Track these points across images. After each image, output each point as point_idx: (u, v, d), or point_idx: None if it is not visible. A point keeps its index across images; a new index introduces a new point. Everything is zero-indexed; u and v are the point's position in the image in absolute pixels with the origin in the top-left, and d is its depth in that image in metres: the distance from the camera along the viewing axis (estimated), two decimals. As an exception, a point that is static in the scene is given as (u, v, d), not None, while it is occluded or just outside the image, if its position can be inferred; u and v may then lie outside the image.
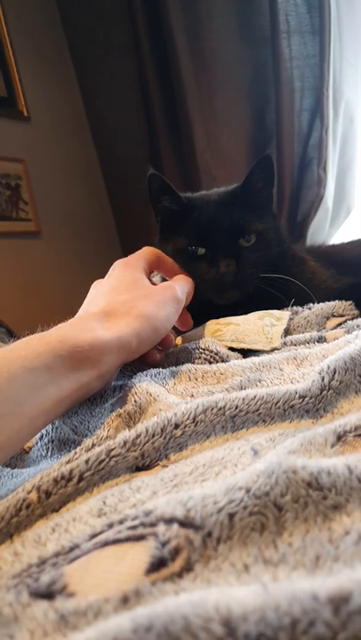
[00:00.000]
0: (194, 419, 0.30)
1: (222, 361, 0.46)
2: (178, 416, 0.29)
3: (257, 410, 0.31)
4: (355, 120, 1.35)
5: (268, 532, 0.18)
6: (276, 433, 0.28)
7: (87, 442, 0.32)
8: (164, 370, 0.44)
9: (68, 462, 0.28)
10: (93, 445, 0.31)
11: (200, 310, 0.57)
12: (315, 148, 1.31)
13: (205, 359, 0.47)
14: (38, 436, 0.36)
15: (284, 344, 0.50)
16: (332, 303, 0.58)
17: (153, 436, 0.28)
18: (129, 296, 0.43)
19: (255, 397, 0.31)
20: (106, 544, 0.19)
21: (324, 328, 0.55)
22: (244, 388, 0.37)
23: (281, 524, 0.18)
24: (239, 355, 0.49)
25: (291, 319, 0.57)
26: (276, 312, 0.57)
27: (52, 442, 0.36)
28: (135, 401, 0.36)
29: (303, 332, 0.54)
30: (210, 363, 0.46)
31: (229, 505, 0.19)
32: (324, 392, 0.32)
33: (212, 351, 0.48)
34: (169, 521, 0.19)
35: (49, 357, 0.31)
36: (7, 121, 1.68)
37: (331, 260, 0.78)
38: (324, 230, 1.40)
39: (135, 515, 0.20)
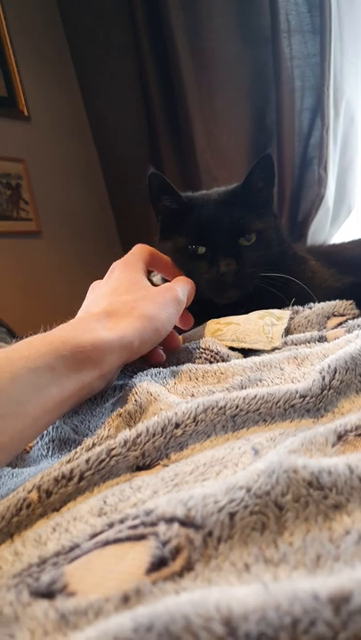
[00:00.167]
0: (194, 418, 0.30)
1: (223, 360, 0.46)
2: (178, 415, 0.29)
3: (258, 409, 0.31)
4: (355, 119, 1.35)
5: (269, 531, 0.18)
6: (277, 432, 0.28)
7: (88, 441, 0.32)
8: (164, 369, 0.44)
9: (69, 462, 0.28)
10: (94, 445, 0.31)
11: (200, 310, 0.57)
12: (315, 147, 1.31)
13: (206, 359, 0.47)
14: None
15: (285, 343, 0.50)
16: (332, 302, 0.58)
17: (154, 435, 0.28)
18: (130, 297, 0.43)
19: (256, 397, 0.31)
20: (106, 543, 0.19)
21: (324, 327, 0.55)
22: (245, 388, 0.37)
23: (282, 524, 0.18)
24: (240, 354, 0.49)
25: (291, 318, 0.57)
26: (276, 311, 0.57)
27: (53, 441, 0.36)
28: (136, 400, 0.36)
29: (304, 332, 0.54)
30: (210, 362, 0.46)
31: (230, 504, 0.19)
32: (325, 391, 0.32)
33: (212, 351, 0.48)
34: (170, 520, 0.19)
35: (51, 357, 0.31)
36: (7, 121, 1.69)
37: (331, 259, 0.78)
38: (324, 230, 1.40)
39: (136, 514, 0.20)
